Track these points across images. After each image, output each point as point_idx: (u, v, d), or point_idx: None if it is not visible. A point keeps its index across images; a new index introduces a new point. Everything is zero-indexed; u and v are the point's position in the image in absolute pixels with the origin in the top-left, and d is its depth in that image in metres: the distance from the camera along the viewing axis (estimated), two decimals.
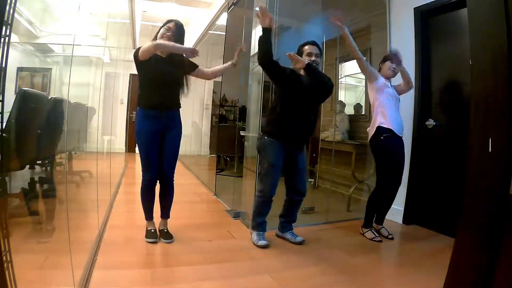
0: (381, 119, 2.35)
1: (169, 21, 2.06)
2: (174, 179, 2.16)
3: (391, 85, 2.47)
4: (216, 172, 4.22)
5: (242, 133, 4.09)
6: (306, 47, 2.22)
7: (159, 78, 2.00)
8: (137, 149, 2.07)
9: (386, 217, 2.58)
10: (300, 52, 2.22)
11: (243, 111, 4.86)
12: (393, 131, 2.32)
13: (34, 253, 1.71)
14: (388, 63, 2.46)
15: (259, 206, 2.20)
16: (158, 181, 2.13)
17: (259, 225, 2.21)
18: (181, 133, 2.15)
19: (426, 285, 1.72)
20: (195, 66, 2.20)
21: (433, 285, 1.64)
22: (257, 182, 2.35)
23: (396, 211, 2.87)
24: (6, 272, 0.88)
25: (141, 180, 2.10)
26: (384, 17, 3.13)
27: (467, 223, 1.05)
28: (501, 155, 0.94)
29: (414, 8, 2.80)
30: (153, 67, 1.99)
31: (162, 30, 2.03)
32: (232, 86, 5.74)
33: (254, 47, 3.14)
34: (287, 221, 2.32)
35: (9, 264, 0.90)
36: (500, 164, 0.94)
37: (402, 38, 2.93)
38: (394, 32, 3.07)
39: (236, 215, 2.77)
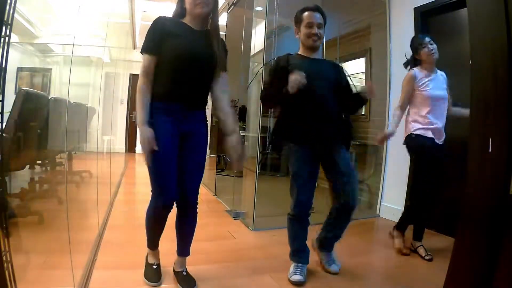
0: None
1: None
2: (197, 204, 1.56)
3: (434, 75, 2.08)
4: (216, 172, 4.22)
5: (242, 133, 4.09)
6: (306, 13, 1.70)
7: (191, 58, 1.40)
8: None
9: (386, 217, 2.57)
10: (298, 20, 1.73)
11: (243, 111, 4.86)
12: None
13: (34, 253, 1.71)
14: (425, 50, 2.04)
15: (288, 228, 1.77)
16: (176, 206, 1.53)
17: (293, 254, 1.76)
18: (208, 135, 1.58)
19: (426, 285, 1.72)
20: (225, 68, 1.54)
21: (433, 285, 1.64)
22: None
23: (396, 211, 2.86)
24: (6, 272, 0.88)
25: (149, 203, 1.51)
26: (384, 17, 3.13)
27: (467, 223, 1.05)
28: (501, 155, 0.94)
29: (414, 8, 2.81)
30: (180, 43, 1.39)
31: None
32: (232, 86, 5.72)
33: (254, 47, 3.15)
34: (328, 238, 1.83)
35: (9, 264, 0.90)
36: (500, 164, 0.94)
37: (402, 38, 2.93)
38: (394, 32, 3.07)
39: (236, 215, 2.77)
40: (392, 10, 3.09)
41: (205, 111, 1.58)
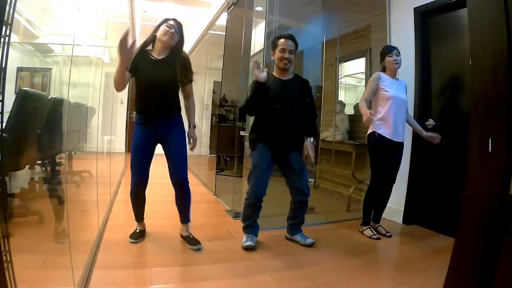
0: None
1: (167, 19, 1.95)
2: (188, 180, 2.04)
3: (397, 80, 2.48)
4: (216, 172, 4.22)
5: (242, 133, 4.08)
6: (281, 40, 2.10)
7: (151, 83, 1.89)
8: None
9: (386, 217, 2.59)
10: (274, 45, 2.13)
11: (243, 111, 4.86)
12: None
13: (34, 253, 1.71)
14: (389, 59, 2.43)
15: (244, 208, 2.19)
16: (146, 185, 2.04)
17: (245, 228, 2.19)
18: (185, 136, 2.04)
19: (426, 285, 1.72)
20: (190, 80, 2.03)
21: (433, 285, 1.64)
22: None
23: (396, 211, 2.87)
24: (6, 272, 0.88)
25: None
26: (384, 17, 3.13)
27: (467, 223, 1.05)
28: (501, 155, 0.94)
29: (414, 8, 2.81)
30: (144, 71, 1.89)
31: (163, 27, 1.91)
32: (232, 86, 5.73)
33: (254, 47, 3.15)
34: (294, 223, 2.27)
35: (9, 264, 0.89)
36: (500, 164, 0.94)
37: (402, 38, 2.93)
38: (394, 32, 3.07)
39: (236, 215, 2.77)
40: (392, 10, 3.09)
41: (179, 115, 2.03)
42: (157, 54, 1.94)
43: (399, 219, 2.85)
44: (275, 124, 2.10)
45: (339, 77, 3.91)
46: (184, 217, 2.10)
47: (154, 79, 1.88)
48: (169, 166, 1.99)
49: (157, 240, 2.16)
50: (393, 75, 2.46)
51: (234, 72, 4.25)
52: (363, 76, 3.67)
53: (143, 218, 2.16)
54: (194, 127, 2.09)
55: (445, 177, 2.61)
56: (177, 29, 1.93)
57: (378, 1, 3.18)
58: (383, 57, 2.47)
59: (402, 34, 2.94)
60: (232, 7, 3.63)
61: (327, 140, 3.66)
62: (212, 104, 7.11)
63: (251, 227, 2.17)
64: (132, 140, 1.98)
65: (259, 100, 2.08)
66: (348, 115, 3.67)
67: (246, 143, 3.13)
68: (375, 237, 2.43)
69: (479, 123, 1.02)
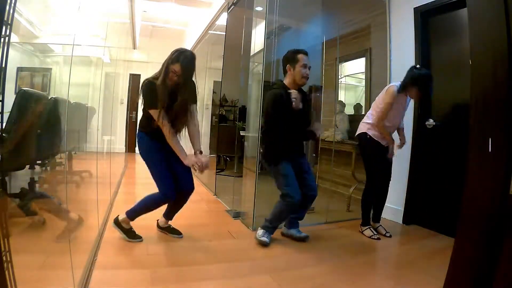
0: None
1: (178, 57, 1.90)
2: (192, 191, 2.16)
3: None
4: (216, 172, 4.22)
5: (242, 133, 4.08)
6: (303, 56, 2.14)
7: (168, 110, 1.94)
8: (137, 153, 2.07)
9: (386, 217, 2.59)
10: (294, 60, 2.14)
11: (243, 111, 4.86)
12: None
13: (34, 253, 1.71)
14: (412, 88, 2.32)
15: (282, 210, 2.16)
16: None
17: (270, 229, 2.22)
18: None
19: (426, 285, 1.72)
20: (193, 102, 2.08)
21: (433, 285, 1.64)
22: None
23: (396, 211, 2.87)
24: (6, 272, 0.88)
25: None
26: (384, 17, 3.13)
27: (467, 223, 1.05)
28: (501, 155, 0.94)
29: (414, 8, 2.80)
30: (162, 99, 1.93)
31: (168, 71, 1.91)
32: (232, 86, 5.74)
33: (254, 47, 3.15)
34: (295, 217, 2.31)
35: (9, 264, 0.90)
36: (500, 164, 0.94)
37: (402, 38, 2.93)
38: (394, 32, 3.07)
39: (236, 215, 2.78)
40: (392, 10, 3.09)
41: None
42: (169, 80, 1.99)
43: (399, 219, 2.85)
44: (292, 137, 2.18)
45: (339, 77, 3.91)
46: (172, 215, 2.25)
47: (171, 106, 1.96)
48: (179, 175, 2.06)
49: (157, 240, 2.16)
50: None
51: (234, 72, 4.25)
52: (363, 76, 3.68)
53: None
54: (201, 152, 2.08)
55: (445, 177, 2.61)
56: (181, 76, 1.92)
57: (378, 1, 3.18)
58: (412, 84, 2.30)
59: (402, 34, 2.94)
60: (232, 7, 3.63)
61: (327, 140, 3.65)
62: (212, 104, 7.11)
63: (275, 228, 2.24)
64: (149, 155, 2.04)
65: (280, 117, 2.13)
66: (348, 115, 3.67)
67: (246, 143, 3.14)
68: (375, 237, 2.43)
69: (479, 123, 1.02)
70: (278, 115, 2.12)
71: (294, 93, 2.14)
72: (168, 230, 2.26)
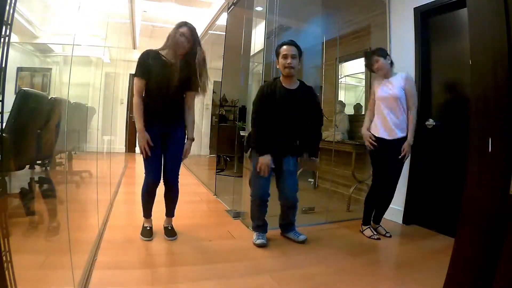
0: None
1: (181, 25, 1.97)
2: (178, 181, 2.16)
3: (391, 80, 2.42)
4: (216, 172, 4.22)
5: (242, 133, 4.09)
6: (283, 47, 2.10)
7: (164, 86, 1.94)
8: (137, 148, 2.09)
9: (386, 217, 2.59)
10: (277, 53, 2.15)
11: (243, 111, 4.86)
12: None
13: (34, 253, 1.71)
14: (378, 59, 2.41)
15: (251, 209, 2.25)
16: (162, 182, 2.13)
17: (255, 228, 2.26)
18: (184, 138, 2.14)
19: (426, 285, 1.72)
20: (197, 88, 2.04)
21: (433, 285, 1.64)
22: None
23: (396, 211, 2.87)
24: (6, 272, 0.88)
25: (143, 180, 2.11)
26: (384, 17, 3.13)
27: (467, 222, 1.05)
28: (501, 155, 0.94)
29: (414, 8, 2.80)
30: (157, 74, 1.94)
31: (177, 36, 1.93)
32: (232, 86, 5.74)
33: (254, 47, 3.15)
34: (284, 224, 2.34)
35: (9, 264, 0.89)
36: (500, 164, 0.94)
37: (402, 38, 2.93)
38: (394, 32, 3.07)
39: (236, 215, 2.78)
40: (392, 10, 3.09)
41: (182, 120, 2.10)
42: (170, 58, 1.97)
43: (399, 219, 2.85)
44: (277, 132, 2.13)
45: (339, 77, 3.91)
46: (170, 211, 2.23)
47: (166, 83, 1.93)
48: (163, 163, 2.08)
49: (157, 240, 2.16)
50: (385, 76, 2.43)
51: (234, 72, 4.25)
52: (363, 76, 3.67)
53: (151, 214, 2.21)
54: (193, 139, 2.16)
55: (445, 177, 2.61)
56: (190, 38, 1.94)
57: (378, 1, 3.18)
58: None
59: (402, 34, 2.94)
60: (232, 7, 3.63)
61: (327, 140, 3.65)
62: (212, 104, 7.11)
63: (260, 226, 2.24)
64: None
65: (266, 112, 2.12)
66: (348, 115, 3.67)
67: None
68: (375, 237, 2.43)
69: (479, 123, 1.02)
70: (262, 107, 2.11)
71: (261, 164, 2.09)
72: (165, 230, 2.23)
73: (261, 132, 2.14)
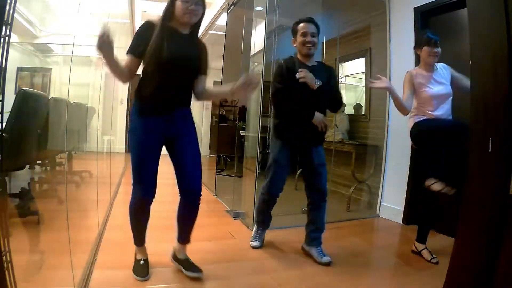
0: None
1: None
2: (201, 195, 1.62)
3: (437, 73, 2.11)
4: (216, 172, 4.22)
5: (242, 133, 4.09)
6: (301, 25, 1.95)
7: (174, 62, 1.44)
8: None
9: (386, 217, 2.57)
10: (294, 31, 1.98)
11: (243, 111, 4.86)
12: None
13: (34, 253, 1.71)
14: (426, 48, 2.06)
15: (259, 203, 2.15)
16: (152, 200, 1.59)
17: (257, 222, 2.20)
18: (197, 135, 1.65)
19: (426, 285, 1.72)
20: (204, 72, 1.61)
21: (433, 285, 1.64)
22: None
23: (396, 211, 2.87)
24: (6, 272, 0.88)
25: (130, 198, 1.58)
26: (384, 17, 3.13)
27: (467, 223, 1.05)
28: (501, 155, 0.94)
29: (414, 8, 2.80)
30: (165, 46, 1.42)
31: (182, 3, 1.44)
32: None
33: (254, 47, 3.15)
34: (312, 230, 2.04)
35: (9, 264, 0.89)
36: (500, 164, 0.94)
37: (402, 38, 2.93)
38: (394, 32, 3.07)
39: (236, 215, 2.77)
40: (392, 10, 3.09)
41: (190, 109, 1.63)
42: (182, 28, 1.53)
43: (399, 219, 2.85)
44: (296, 121, 1.95)
45: (339, 77, 3.91)
46: (185, 235, 1.68)
47: (179, 57, 1.47)
48: (181, 172, 1.56)
49: (156, 240, 2.16)
50: (431, 67, 2.13)
51: (234, 72, 4.24)
52: (363, 76, 3.67)
53: (144, 241, 1.70)
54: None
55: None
56: (200, 4, 1.49)
57: (378, 1, 3.18)
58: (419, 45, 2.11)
59: (402, 34, 2.94)
60: (232, 7, 3.63)
61: (327, 140, 3.65)
62: (212, 104, 7.11)
63: (263, 222, 2.18)
64: (132, 139, 1.49)
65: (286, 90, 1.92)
66: (348, 115, 3.67)
67: (246, 143, 3.14)
68: (435, 261, 1.98)
69: (479, 123, 1.02)
70: (283, 83, 1.92)
71: (303, 71, 1.86)
72: (184, 265, 1.68)
73: (286, 105, 1.94)
